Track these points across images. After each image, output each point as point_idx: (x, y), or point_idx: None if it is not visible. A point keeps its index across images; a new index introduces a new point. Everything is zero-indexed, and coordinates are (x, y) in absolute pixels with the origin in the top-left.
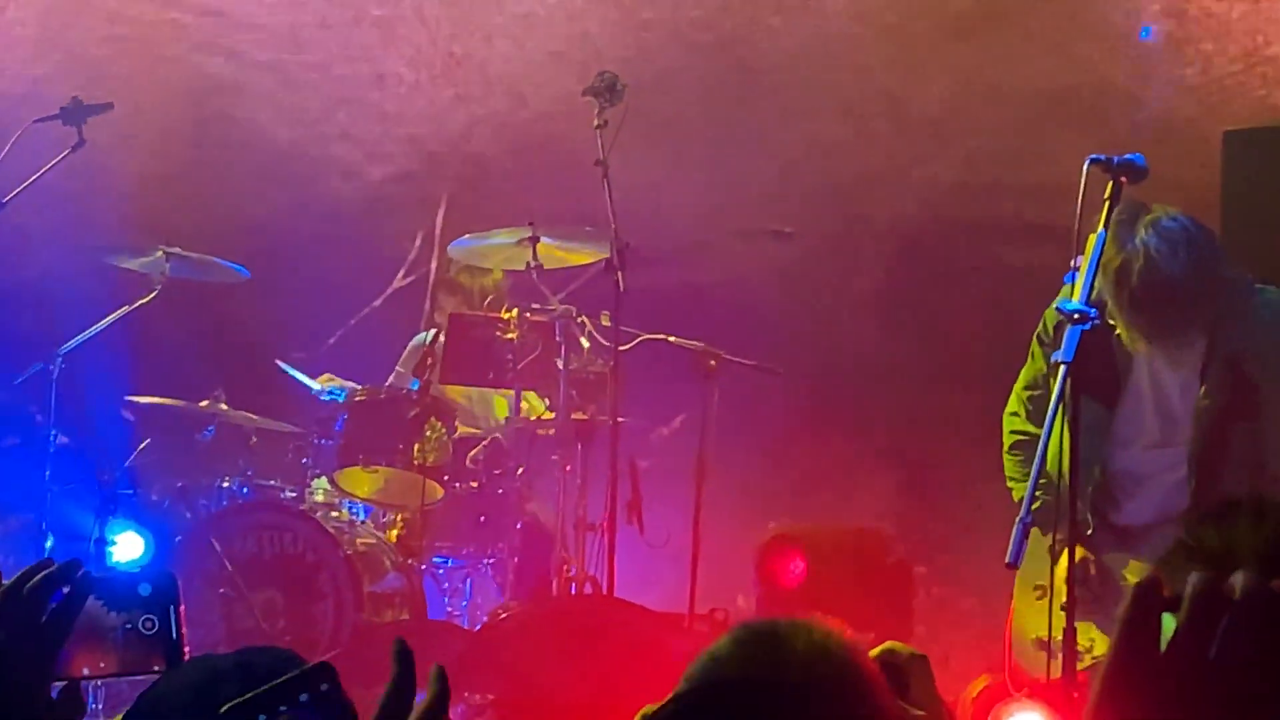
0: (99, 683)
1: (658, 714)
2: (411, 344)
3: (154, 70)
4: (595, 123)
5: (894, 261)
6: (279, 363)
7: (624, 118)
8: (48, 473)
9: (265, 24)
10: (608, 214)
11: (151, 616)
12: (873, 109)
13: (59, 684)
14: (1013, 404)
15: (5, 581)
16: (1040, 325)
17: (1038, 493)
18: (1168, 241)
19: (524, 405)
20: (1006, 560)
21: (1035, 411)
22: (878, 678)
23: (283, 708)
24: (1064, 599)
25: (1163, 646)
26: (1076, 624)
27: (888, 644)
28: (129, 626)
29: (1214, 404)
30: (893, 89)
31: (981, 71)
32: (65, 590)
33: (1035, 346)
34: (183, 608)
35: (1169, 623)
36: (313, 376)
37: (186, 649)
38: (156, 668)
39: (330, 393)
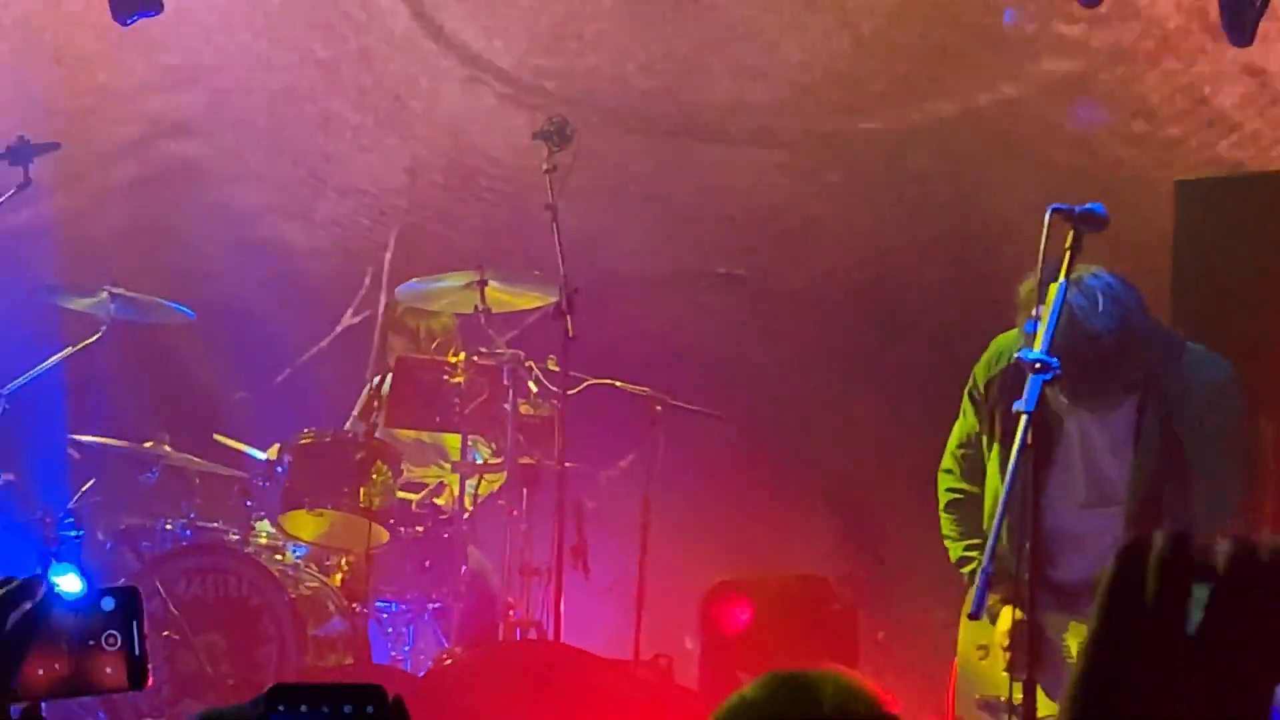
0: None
1: None
2: (365, 390)
3: (99, 110)
4: (545, 167)
5: (839, 308)
6: (216, 437)
7: (574, 162)
8: None
9: (210, 64)
10: (556, 258)
11: (114, 632)
12: (818, 154)
13: (18, 705)
14: (947, 461)
15: None
16: (970, 381)
17: (978, 550)
18: (1090, 298)
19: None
20: (969, 612)
21: (969, 469)
22: None
23: (325, 708)
24: (1006, 661)
25: None
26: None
27: None
28: (91, 643)
29: (1147, 465)
30: (838, 135)
31: (929, 118)
32: (27, 606)
33: (966, 403)
34: (151, 615)
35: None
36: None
37: (151, 666)
38: (119, 685)
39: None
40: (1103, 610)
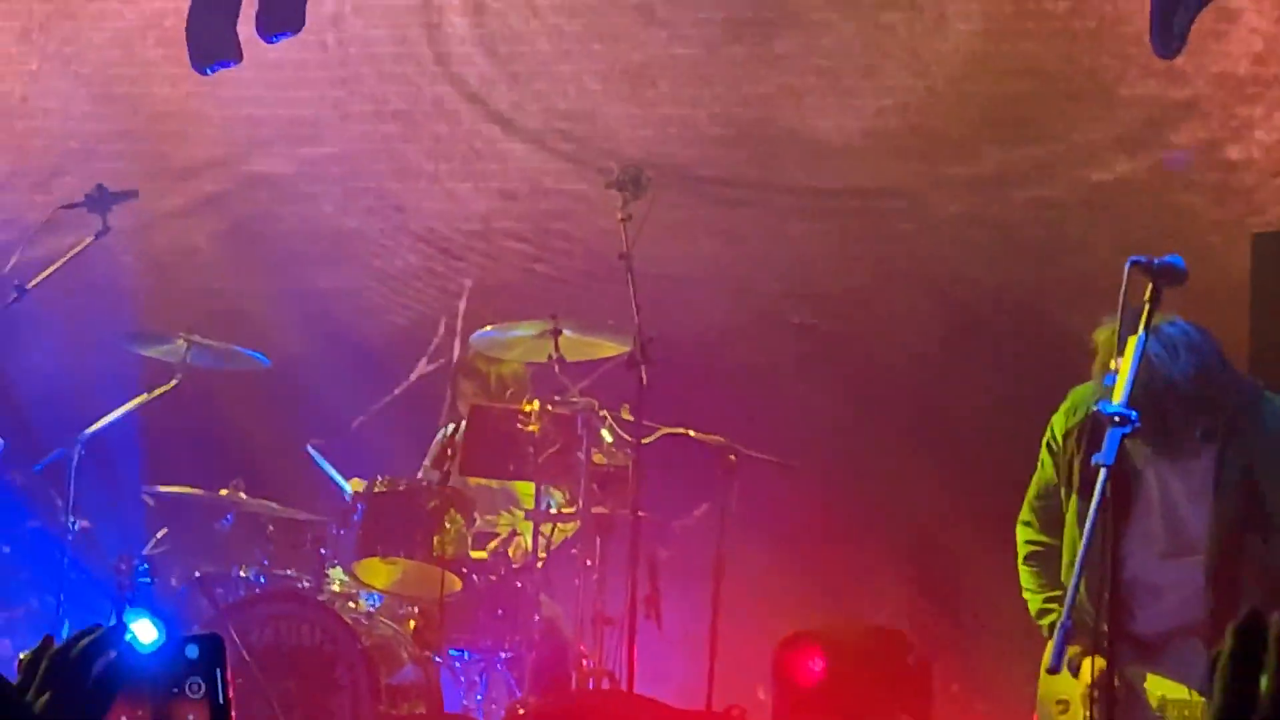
0: None
1: None
2: (437, 438)
3: (174, 157)
4: (619, 216)
5: (912, 359)
6: (310, 449)
7: (648, 211)
8: (66, 558)
9: (285, 114)
10: (631, 307)
11: (198, 680)
12: (893, 205)
13: None
14: (1025, 513)
15: (54, 645)
16: (1048, 432)
17: (1057, 603)
18: (1167, 346)
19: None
20: (1048, 666)
21: (1048, 521)
22: None
23: None
24: (1086, 714)
25: None
26: None
27: None
28: (175, 690)
29: (1227, 514)
30: (914, 186)
31: (1001, 168)
32: (112, 654)
33: (1044, 455)
34: (230, 672)
35: None
36: (333, 463)
37: (234, 713)
38: None
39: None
40: (1224, 687)
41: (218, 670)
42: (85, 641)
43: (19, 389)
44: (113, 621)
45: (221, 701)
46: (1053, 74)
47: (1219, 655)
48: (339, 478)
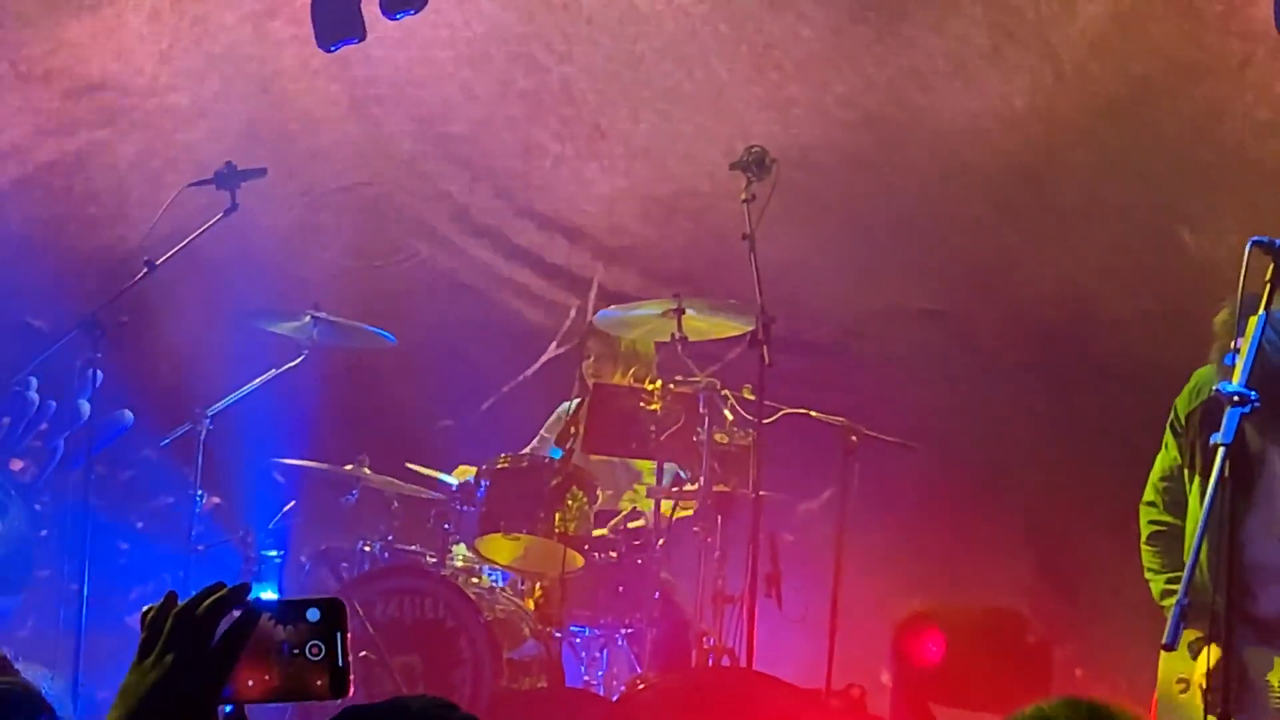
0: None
1: None
2: (557, 411)
3: (303, 136)
4: (743, 197)
5: (1033, 342)
6: (409, 465)
7: (772, 192)
8: (193, 533)
9: (413, 94)
10: (753, 287)
11: (318, 642)
12: (1015, 188)
13: (227, 705)
14: (1149, 494)
15: (178, 602)
16: (1172, 413)
17: (1179, 585)
18: (1278, 330)
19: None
20: (1163, 642)
21: (1171, 502)
22: None
23: None
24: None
25: None
26: None
27: None
28: (296, 651)
29: None
30: (1036, 168)
31: (1127, 152)
32: (237, 613)
33: (1168, 436)
34: (350, 635)
35: None
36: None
37: (352, 676)
38: (322, 694)
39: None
40: None
41: (338, 634)
42: (210, 600)
43: (148, 365)
44: (245, 582)
45: (341, 664)
46: (1177, 56)
47: None
48: (440, 475)
